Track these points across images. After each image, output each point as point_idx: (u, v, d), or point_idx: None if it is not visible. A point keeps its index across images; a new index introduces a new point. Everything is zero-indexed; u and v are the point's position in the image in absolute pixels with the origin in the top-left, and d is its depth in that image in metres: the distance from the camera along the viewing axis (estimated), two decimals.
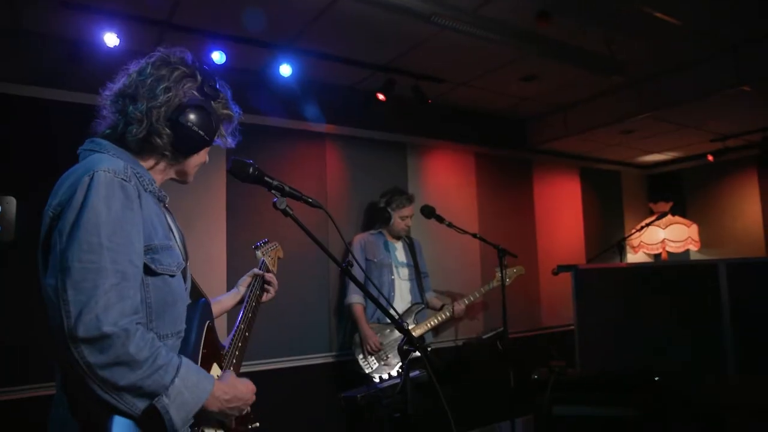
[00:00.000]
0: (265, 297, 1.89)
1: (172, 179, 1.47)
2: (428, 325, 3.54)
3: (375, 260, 3.59)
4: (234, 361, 1.54)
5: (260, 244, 2.07)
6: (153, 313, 1.25)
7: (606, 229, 5.73)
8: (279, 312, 3.55)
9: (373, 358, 3.40)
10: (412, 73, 3.83)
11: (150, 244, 1.25)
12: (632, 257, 5.85)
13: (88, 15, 2.78)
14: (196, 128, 1.33)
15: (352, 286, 3.53)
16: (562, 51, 3.36)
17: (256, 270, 1.90)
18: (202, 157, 1.47)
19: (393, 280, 3.61)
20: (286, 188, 1.56)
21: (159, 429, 1.13)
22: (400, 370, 3.40)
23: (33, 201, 1.68)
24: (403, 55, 3.55)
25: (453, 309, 3.60)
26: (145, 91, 1.31)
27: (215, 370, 1.41)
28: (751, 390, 2.56)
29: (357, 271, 3.54)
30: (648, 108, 4.16)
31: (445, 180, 4.59)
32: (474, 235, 3.47)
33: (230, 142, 1.54)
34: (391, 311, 3.51)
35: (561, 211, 5.40)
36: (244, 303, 1.77)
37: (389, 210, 3.63)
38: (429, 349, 3.51)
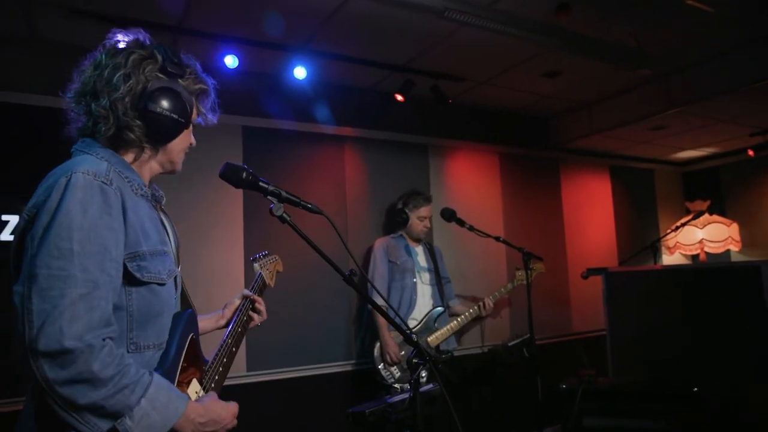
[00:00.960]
0: (252, 323, 1.77)
1: (160, 174, 1.38)
2: (449, 328, 3.43)
3: (398, 262, 3.51)
4: (216, 377, 1.43)
5: (259, 256, 1.99)
6: (134, 323, 1.17)
7: (639, 230, 5.50)
8: (298, 320, 3.50)
9: (395, 367, 3.30)
10: (430, 73, 3.74)
11: (137, 251, 1.18)
12: (668, 259, 5.60)
13: (99, 22, 2.77)
14: (167, 113, 1.24)
15: (374, 291, 3.45)
16: (585, 44, 3.21)
17: (246, 291, 1.79)
18: (185, 140, 1.37)
19: (415, 283, 3.51)
20: (283, 194, 1.46)
21: None
22: (422, 377, 3.30)
23: None
24: (420, 54, 3.46)
25: (484, 304, 3.52)
26: (103, 84, 1.22)
27: (194, 385, 1.32)
28: None
29: (380, 274, 3.47)
30: (678, 103, 3.96)
31: (469, 181, 4.46)
32: (497, 239, 3.35)
33: (211, 118, 1.43)
34: (410, 317, 3.43)
35: (591, 211, 5.20)
36: (233, 321, 1.66)
37: (406, 211, 3.54)
38: (452, 355, 3.42)
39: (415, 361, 1.51)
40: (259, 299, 1.78)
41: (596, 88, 4.18)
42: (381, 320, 3.36)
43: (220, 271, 3.28)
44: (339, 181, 3.86)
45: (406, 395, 1.57)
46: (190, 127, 1.37)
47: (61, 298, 1.01)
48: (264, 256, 2.02)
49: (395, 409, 1.58)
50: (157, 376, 1.13)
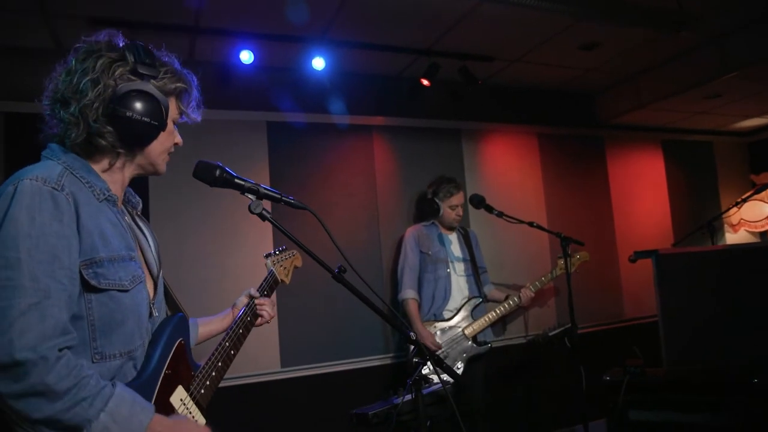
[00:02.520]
0: (259, 321, 1.72)
1: (140, 174, 1.34)
2: (487, 319, 3.30)
3: (430, 253, 3.40)
4: (207, 383, 1.38)
5: (274, 252, 1.94)
6: (97, 332, 1.14)
7: (698, 209, 5.11)
8: (332, 315, 3.47)
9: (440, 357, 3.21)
10: (457, 54, 3.59)
11: (93, 257, 1.14)
12: (732, 237, 5.19)
13: (119, 29, 2.81)
14: (138, 116, 1.19)
15: (405, 281, 3.37)
16: (619, 10, 2.97)
17: (252, 290, 1.74)
18: (165, 142, 1.32)
19: (449, 274, 3.39)
20: (261, 190, 1.40)
21: None
22: (459, 368, 3.20)
23: None
24: (443, 35, 3.32)
25: (520, 296, 3.35)
26: (72, 90, 1.19)
27: (179, 393, 1.28)
28: None
29: (410, 265, 3.37)
30: (735, 66, 3.61)
31: (506, 165, 4.28)
32: (530, 224, 3.19)
33: (194, 116, 1.37)
34: (445, 309, 3.32)
35: (642, 191, 4.88)
36: (234, 321, 1.62)
37: (437, 201, 3.41)
38: (490, 347, 3.30)
39: (416, 360, 1.42)
40: (263, 300, 1.73)
41: (641, 58, 3.89)
42: (413, 312, 3.27)
43: (247, 269, 3.29)
44: (368, 171, 3.79)
45: (409, 396, 1.48)
46: (170, 126, 1.32)
47: (10, 309, 0.99)
48: (281, 251, 1.98)
49: (400, 410, 1.50)
50: (120, 388, 1.10)
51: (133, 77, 1.22)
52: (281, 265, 1.91)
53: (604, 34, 3.43)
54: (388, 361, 3.61)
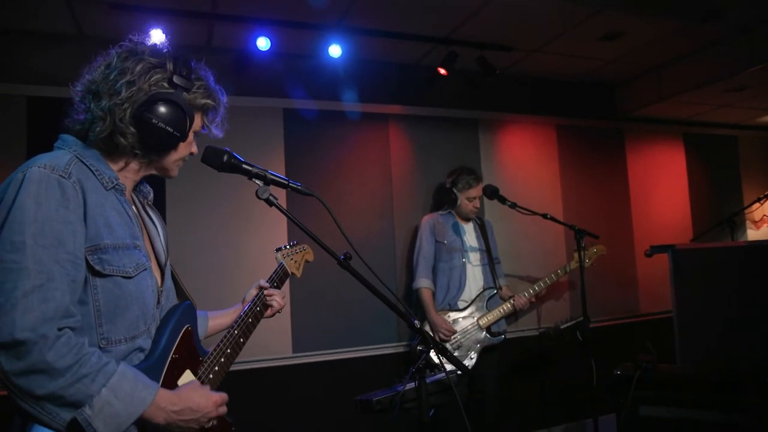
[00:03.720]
0: (269, 311, 1.74)
1: (153, 175, 1.38)
2: (501, 311, 3.29)
3: (445, 242, 3.39)
4: (216, 368, 1.40)
5: (285, 246, 1.96)
6: (102, 317, 1.17)
7: (719, 204, 5.02)
8: (345, 302, 3.49)
9: (446, 346, 3.21)
10: (475, 44, 3.56)
11: (98, 243, 1.17)
12: (755, 234, 5.09)
13: (136, 14, 2.85)
14: (162, 125, 1.23)
15: (420, 270, 3.37)
16: (642, 0, 2.91)
17: (262, 282, 1.76)
18: (181, 152, 1.35)
19: (464, 263, 3.38)
20: (269, 175, 1.42)
21: None
22: (472, 358, 3.20)
23: None
24: (462, 23, 3.29)
25: (514, 302, 3.31)
26: (108, 87, 1.22)
27: (187, 376, 1.30)
28: None
29: (425, 254, 3.38)
30: (761, 59, 3.52)
31: (523, 156, 4.24)
32: (544, 216, 3.17)
33: (216, 132, 1.40)
34: (460, 299, 3.32)
35: (662, 185, 4.80)
36: (244, 310, 1.64)
37: (455, 191, 3.39)
38: (504, 338, 3.29)
39: (420, 348, 1.43)
40: (273, 291, 1.75)
41: (664, 49, 3.81)
42: (427, 300, 3.28)
43: (262, 258, 3.32)
44: (384, 160, 3.79)
45: (413, 384, 1.49)
46: (190, 138, 1.36)
47: (14, 291, 1.02)
48: (292, 245, 1.99)
49: (404, 397, 1.52)
50: (123, 366, 1.13)
51: (167, 86, 1.25)
52: (292, 259, 1.93)
53: (625, 25, 3.36)
54: (401, 350, 3.63)
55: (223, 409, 1.29)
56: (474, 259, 3.44)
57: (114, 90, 1.22)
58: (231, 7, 2.95)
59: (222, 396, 1.29)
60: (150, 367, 1.22)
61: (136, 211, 1.35)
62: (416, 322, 1.43)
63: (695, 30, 3.40)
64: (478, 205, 3.44)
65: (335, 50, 3.23)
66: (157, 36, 2.76)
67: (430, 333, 3.22)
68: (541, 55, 3.83)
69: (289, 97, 3.47)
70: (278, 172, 1.47)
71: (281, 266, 1.87)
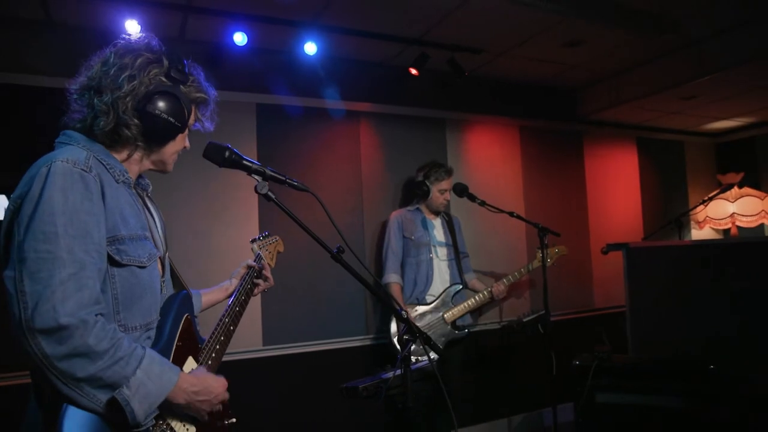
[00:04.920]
0: (257, 290, 1.82)
1: (150, 170, 1.43)
2: (467, 305, 3.40)
3: (413, 238, 3.48)
4: (213, 354, 1.47)
5: (259, 237, 2.01)
6: (120, 305, 1.22)
7: (667, 205, 5.33)
8: (314, 295, 3.55)
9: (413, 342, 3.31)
10: (446, 45, 3.66)
11: (115, 235, 1.22)
12: (698, 233, 5.43)
13: (109, 3, 2.80)
14: (165, 116, 1.29)
15: (389, 264, 3.45)
16: (605, 12, 3.08)
17: (250, 261, 1.84)
18: (178, 144, 1.42)
19: (431, 259, 3.49)
20: (267, 171, 1.48)
21: (121, 421, 1.11)
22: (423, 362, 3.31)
23: None
24: (435, 25, 3.38)
25: (492, 290, 3.44)
26: (108, 81, 1.27)
27: (190, 363, 1.37)
28: None
29: (393, 249, 3.47)
30: (712, 69, 3.77)
31: (488, 156, 4.39)
32: (511, 214, 3.31)
33: (208, 126, 1.47)
34: (427, 293, 3.43)
35: (616, 185, 5.06)
36: (233, 296, 1.70)
37: (427, 183, 3.48)
38: (468, 331, 3.42)
39: (405, 337, 1.52)
40: (267, 266, 1.84)
41: (622, 57, 4.02)
42: (396, 294, 3.37)
43: (234, 249, 3.34)
44: (354, 157, 3.85)
45: (399, 371, 1.58)
46: (186, 131, 1.42)
47: (51, 279, 1.07)
48: (264, 237, 2.04)
49: (389, 384, 1.60)
50: (149, 349, 1.19)
51: (165, 80, 1.31)
52: (266, 250, 1.99)
53: (588, 33, 3.54)
54: (368, 342, 3.72)
55: (227, 394, 1.36)
56: (441, 254, 3.54)
57: (116, 84, 1.27)
58: (206, 1, 2.94)
59: (225, 381, 1.36)
60: (159, 353, 1.27)
61: (140, 203, 1.39)
62: (404, 313, 1.51)
63: (652, 41, 3.61)
64: (449, 198, 3.54)
65: (310, 47, 3.26)
66: (132, 27, 2.75)
67: (397, 326, 3.32)
68: (507, 59, 3.97)
69: (262, 92, 3.49)
70: (269, 167, 1.52)
71: (259, 257, 1.92)
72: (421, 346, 1.52)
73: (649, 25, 3.20)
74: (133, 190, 1.37)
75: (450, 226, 3.63)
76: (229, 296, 1.74)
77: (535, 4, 2.93)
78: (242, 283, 1.75)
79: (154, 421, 1.17)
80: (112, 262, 1.21)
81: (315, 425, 3.46)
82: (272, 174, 1.48)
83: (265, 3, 2.97)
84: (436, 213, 3.60)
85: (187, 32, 3.24)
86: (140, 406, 1.11)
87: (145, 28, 2.82)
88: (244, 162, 1.47)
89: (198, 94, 1.41)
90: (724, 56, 3.69)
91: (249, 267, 1.82)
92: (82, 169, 1.18)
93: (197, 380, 1.26)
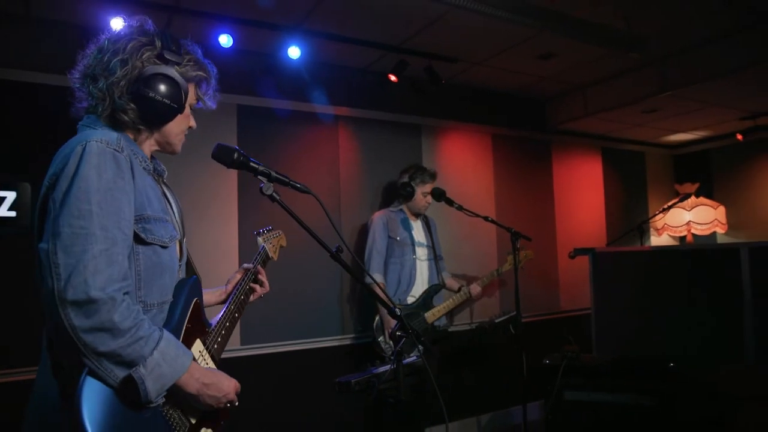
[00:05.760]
0: (254, 296, 1.84)
1: (158, 151, 1.46)
2: (445, 306, 3.50)
3: (398, 238, 3.55)
4: (219, 339, 1.53)
5: (263, 230, 2.04)
6: (141, 281, 1.27)
7: (629, 212, 5.58)
8: (293, 294, 3.58)
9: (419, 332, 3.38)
10: (424, 54, 3.76)
11: (142, 213, 1.27)
12: (656, 240, 5.70)
13: (93, 0, 2.79)
14: (159, 98, 1.31)
15: (373, 264, 3.50)
16: (576, 27, 3.24)
17: (246, 265, 1.86)
18: (181, 124, 1.44)
19: (414, 260, 3.57)
20: (273, 173, 1.54)
21: (133, 397, 1.16)
22: (420, 350, 3.40)
23: None
24: (415, 34, 3.48)
25: (470, 291, 3.56)
26: (102, 68, 1.30)
27: (198, 345, 1.42)
28: (766, 379, 2.48)
29: (378, 249, 3.52)
30: (673, 86, 4.00)
31: (461, 162, 4.52)
32: (486, 218, 3.42)
33: (210, 104, 1.50)
34: (409, 294, 3.51)
35: (581, 192, 5.27)
36: (235, 290, 1.74)
37: (413, 185, 3.56)
38: (447, 331, 3.52)
39: (398, 333, 1.59)
40: (262, 270, 1.86)
41: (591, 71, 4.21)
42: (380, 294, 3.43)
43: (215, 248, 3.36)
44: (332, 160, 3.91)
45: (390, 366, 1.65)
46: (187, 110, 1.45)
47: (84, 254, 1.11)
48: (268, 230, 2.07)
49: (380, 379, 1.67)
50: (166, 332, 1.24)
51: (158, 61, 1.34)
52: (270, 243, 2.02)
53: (560, 47, 3.70)
54: (348, 342, 3.78)
55: (236, 398, 1.40)
56: (422, 255, 3.64)
57: (109, 70, 1.30)
58: (193, 2, 2.95)
59: (238, 385, 1.41)
60: (170, 333, 1.31)
61: (159, 188, 1.43)
62: (397, 310, 1.59)
63: (618, 57, 3.81)
64: (431, 201, 3.64)
65: (294, 51, 3.31)
66: (118, 25, 2.74)
67: (382, 327, 3.39)
68: (483, 68, 4.11)
69: (244, 93, 3.51)
70: (274, 169, 1.57)
71: (263, 249, 1.95)
72: (414, 343, 1.60)
73: (617, 42, 3.38)
74: (153, 176, 1.41)
75: (428, 228, 3.73)
76: (229, 297, 1.74)
77: (510, 18, 3.06)
78: (242, 283, 1.77)
79: (164, 400, 1.22)
80: (138, 239, 1.26)
81: (293, 424, 3.50)
82: (277, 176, 1.53)
83: (252, 7, 3.00)
84: (417, 215, 3.70)
85: (172, 32, 3.23)
86: (153, 385, 1.16)
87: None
88: (251, 164, 1.52)
89: (196, 72, 1.42)
90: (684, 74, 3.93)
91: (246, 270, 1.83)
92: (115, 149, 1.22)
93: (210, 373, 1.32)
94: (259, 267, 1.84)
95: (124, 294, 1.16)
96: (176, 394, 1.26)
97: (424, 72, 3.83)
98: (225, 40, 3.05)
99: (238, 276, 1.83)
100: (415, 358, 1.72)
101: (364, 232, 3.79)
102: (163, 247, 1.32)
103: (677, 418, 2.70)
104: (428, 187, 3.57)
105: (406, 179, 3.60)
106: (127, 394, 1.15)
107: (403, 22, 3.29)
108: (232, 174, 3.45)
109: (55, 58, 2.98)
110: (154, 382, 1.16)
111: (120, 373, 1.15)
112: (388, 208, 3.70)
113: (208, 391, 1.29)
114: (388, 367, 1.67)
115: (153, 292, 1.30)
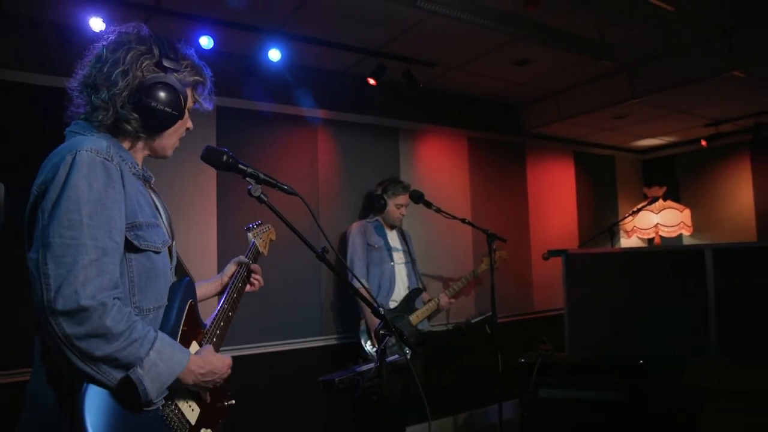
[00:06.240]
0: (248, 288, 1.87)
1: (149, 156, 1.48)
2: (429, 308, 3.59)
3: (376, 246, 3.61)
4: (215, 339, 1.55)
5: (252, 225, 2.05)
6: (135, 287, 1.29)
7: (600, 214, 5.74)
8: (271, 296, 3.58)
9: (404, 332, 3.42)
10: (403, 58, 3.81)
11: (134, 221, 1.28)
12: (626, 242, 5.88)
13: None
14: (161, 106, 1.34)
15: (356, 270, 3.54)
16: (551, 36, 3.35)
17: (241, 258, 1.88)
18: (180, 128, 1.47)
19: (393, 266, 3.64)
20: (261, 175, 1.55)
21: (134, 398, 1.17)
22: (407, 353, 3.45)
23: (22, 186, 1.69)
24: (394, 39, 3.53)
25: (439, 300, 3.63)
26: (103, 78, 1.32)
27: (194, 347, 1.44)
28: (732, 373, 2.60)
29: (360, 256, 3.56)
30: (640, 93, 4.15)
31: (438, 164, 4.59)
32: (463, 221, 3.49)
33: (207, 105, 1.53)
34: (391, 298, 3.56)
35: (554, 195, 5.40)
36: (228, 287, 1.76)
37: (385, 197, 3.64)
38: (430, 333, 3.57)
39: (382, 332, 1.63)
40: (256, 267, 1.88)
41: (564, 77, 4.33)
42: (365, 295, 3.47)
43: (194, 248, 3.35)
44: (311, 162, 3.93)
45: (374, 365, 1.69)
46: (186, 114, 1.47)
47: (74, 264, 1.13)
48: (257, 225, 2.08)
49: (364, 377, 1.71)
50: (161, 333, 1.26)
51: (157, 70, 1.36)
52: (260, 238, 2.03)
53: (535, 54, 3.80)
54: (324, 343, 3.80)
55: (230, 371, 1.44)
56: (399, 259, 3.71)
57: (111, 81, 1.32)
58: (173, 3, 2.95)
59: (230, 359, 1.44)
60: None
61: (148, 194, 1.45)
62: (381, 310, 1.63)
63: (590, 64, 3.93)
64: (405, 213, 3.71)
65: (275, 54, 3.33)
66: (96, 24, 2.72)
67: (367, 330, 3.43)
68: (460, 73, 4.19)
69: (224, 95, 3.50)
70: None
71: (253, 245, 1.97)
72: (402, 343, 1.64)
73: (589, 50, 3.50)
74: (142, 181, 1.42)
75: (403, 238, 3.81)
76: (225, 289, 1.78)
77: (488, 25, 3.14)
78: (235, 278, 1.79)
79: (164, 401, 1.24)
80: (131, 247, 1.27)
81: (275, 424, 3.50)
82: (265, 178, 1.56)
83: (233, 9, 3.01)
84: (392, 227, 3.76)
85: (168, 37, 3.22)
86: (152, 385, 1.18)
87: (110, 26, 2.79)
88: (240, 166, 1.54)
89: (193, 77, 1.44)
90: (652, 82, 4.08)
91: (240, 263, 1.85)
92: (105, 158, 1.23)
93: (204, 361, 1.34)
94: (254, 266, 1.87)
95: (115, 299, 1.17)
96: (175, 390, 1.28)
97: (403, 76, 3.88)
98: (206, 42, 3.05)
99: (234, 267, 1.85)
100: (398, 356, 1.76)
101: (342, 236, 3.82)
102: (156, 253, 1.34)
103: (647, 412, 2.81)
104: (401, 200, 3.65)
105: (379, 191, 3.69)
106: (128, 397, 1.17)
107: (382, 27, 3.34)
108: (211, 176, 3.45)
109: (29, 55, 2.95)
110: (152, 381, 1.18)
111: (117, 375, 1.16)
112: (365, 219, 3.77)
113: (206, 379, 1.33)
114: (372, 365, 1.71)
115: (148, 298, 1.32)
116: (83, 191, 1.17)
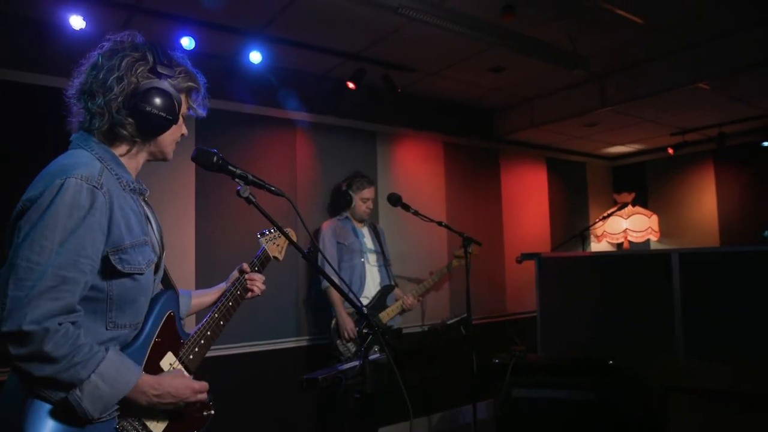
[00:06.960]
0: (250, 294, 1.86)
1: (150, 160, 1.50)
2: (399, 305, 3.61)
3: (346, 243, 3.64)
4: (196, 349, 1.54)
5: (268, 231, 2.02)
6: (114, 305, 1.30)
7: (571, 219, 5.89)
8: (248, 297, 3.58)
9: (351, 343, 3.44)
10: (382, 62, 3.87)
11: (120, 245, 1.29)
12: (596, 246, 6.03)
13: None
14: (156, 111, 1.36)
15: (328, 270, 3.57)
16: (526, 44, 3.44)
17: (244, 264, 1.88)
18: (175, 133, 1.49)
19: (363, 263, 3.67)
20: (249, 177, 1.59)
21: (77, 415, 1.19)
22: (377, 351, 3.48)
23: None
24: (373, 44, 3.58)
25: (404, 301, 3.66)
26: (99, 85, 1.34)
27: (169, 358, 1.44)
28: (696, 372, 2.72)
29: (330, 255, 3.59)
30: (611, 102, 4.28)
31: (414, 168, 4.65)
32: (439, 223, 3.55)
33: (201, 112, 1.56)
34: (361, 296, 3.59)
35: (527, 200, 5.52)
36: (224, 294, 1.76)
37: (350, 192, 3.70)
38: (401, 330, 3.61)
39: (365, 331, 1.67)
40: (254, 276, 1.87)
41: (537, 85, 4.45)
42: (336, 298, 3.48)
43: (172, 249, 3.31)
44: (290, 164, 3.95)
45: (356, 363, 1.73)
46: (180, 120, 1.49)
47: (32, 289, 1.15)
48: (274, 231, 2.02)
49: (347, 375, 1.74)
50: (112, 352, 1.26)
51: (152, 75, 1.38)
52: (274, 243, 2.01)
53: (510, 61, 3.90)
54: (304, 343, 3.81)
55: (203, 396, 1.42)
56: (372, 259, 3.74)
57: (106, 87, 1.34)
58: (155, 3, 2.94)
59: (202, 384, 1.43)
60: (136, 349, 1.35)
61: (141, 208, 1.45)
62: (364, 309, 1.67)
63: (563, 73, 4.04)
64: (371, 207, 3.77)
65: (255, 56, 3.34)
66: (77, 22, 2.70)
67: (337, 329, 3.45)
68: (437, 78, 4.26)
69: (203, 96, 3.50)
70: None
71: (263, 251, 1.96)
72: (380, 340, 1.68)
73: (562, 59, 3.60)
74: (136, 196, 1.43)
75: (376, 235, 3.85)
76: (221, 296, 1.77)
77: (465, 32, 3.21)
78: (234, 286, 1.78)
79: (116, 414, 1.25)
80: (114, 270, 1.28)
81: (249, 423, 3.50)
82: (253, 179, 1.58)
83: (215, 11, 3.01)
84: (362, 221, 3.81)
85: (161, 44, 3.20)
86: (92, 406, 1.19)
87: (90, 24, 2.78)
88: (230, 167, 1.57)
89: (187, 84, 1.48)
90: (622, 91, 4.22)
91: (242, 271, 1.85)
92: (94, 186, 1.24)
93: (159, 384, 1.32)
94: (249, 275, 1.85)
95: (62, 324, 1.18)
96: (132, 407, 1.29)
97: (382, 80, 3.93)
98: (187, 43, 3.05)
99: (236, 275, 1.86)
100: (379, 355, 1.80)
101: (315, 234, 3.85)
102: (140, 274, 1.35)
103: (617, 410, 2.91)
104: (366, 193, 3.71)
105: (344, 187, 3.74)
106: (72, 413, 1.19)
107: (362, 32, 3.39)
108: (189, 176, 3.44)
109: (7, 53, 2.90)
110: (92, 403, 1.19)
111: (57, 395, 1.19)
112: (336, 217, 3.80)
113: (161, 401, 1.32)
114: (354, 363, 1.75)
115: (125, 315, 1.33)
116: (61, 219, 1.19)
